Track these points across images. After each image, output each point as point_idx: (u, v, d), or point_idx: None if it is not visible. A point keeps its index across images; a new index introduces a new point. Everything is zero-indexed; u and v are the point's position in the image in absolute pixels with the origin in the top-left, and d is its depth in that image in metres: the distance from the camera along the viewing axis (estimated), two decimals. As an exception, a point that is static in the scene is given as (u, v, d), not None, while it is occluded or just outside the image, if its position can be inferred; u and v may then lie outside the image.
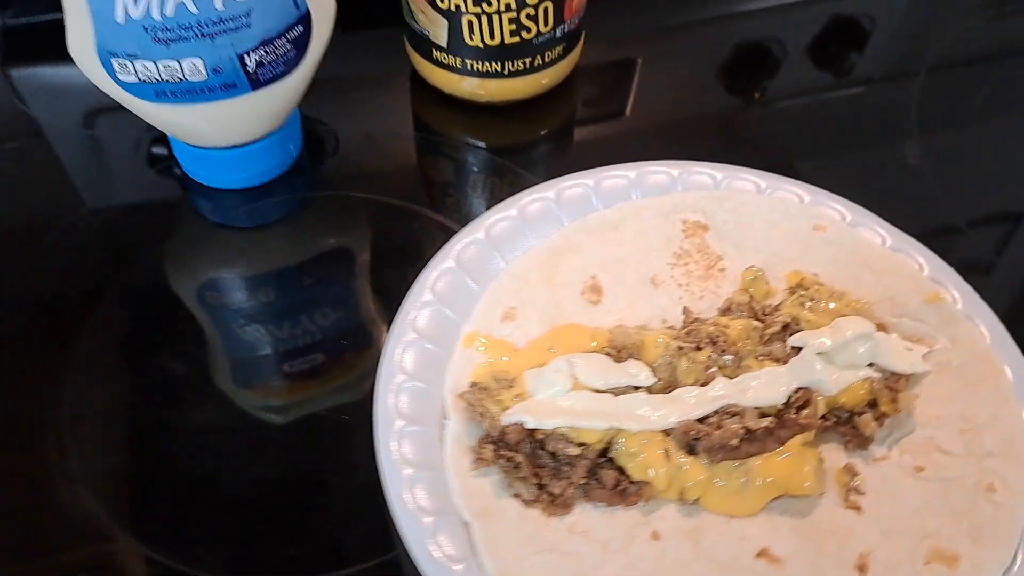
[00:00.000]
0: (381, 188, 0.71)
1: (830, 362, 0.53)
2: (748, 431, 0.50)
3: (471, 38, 0.67)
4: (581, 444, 0.50)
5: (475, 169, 0.76)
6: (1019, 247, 0.68)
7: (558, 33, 0.69)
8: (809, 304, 0.57)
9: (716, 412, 0.51)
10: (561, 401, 0.51)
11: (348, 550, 0.51)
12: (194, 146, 0.65)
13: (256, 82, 0.59)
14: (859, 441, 0.52)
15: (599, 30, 0.83)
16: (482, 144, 0.76)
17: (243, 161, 0.65)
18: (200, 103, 0.58)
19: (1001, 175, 0.74)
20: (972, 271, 0.58)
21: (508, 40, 0.67)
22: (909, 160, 0.73)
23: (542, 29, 0.68)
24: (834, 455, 0.53)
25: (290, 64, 0.60)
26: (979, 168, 0.74)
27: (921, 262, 0.59)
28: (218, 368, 0.61)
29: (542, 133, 0.79)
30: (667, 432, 0.51)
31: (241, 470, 0.55)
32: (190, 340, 0.62)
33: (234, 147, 0.64)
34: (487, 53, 0.69)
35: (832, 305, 0.57)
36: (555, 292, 0.59)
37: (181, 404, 0.58)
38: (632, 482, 0.51)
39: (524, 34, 0.67)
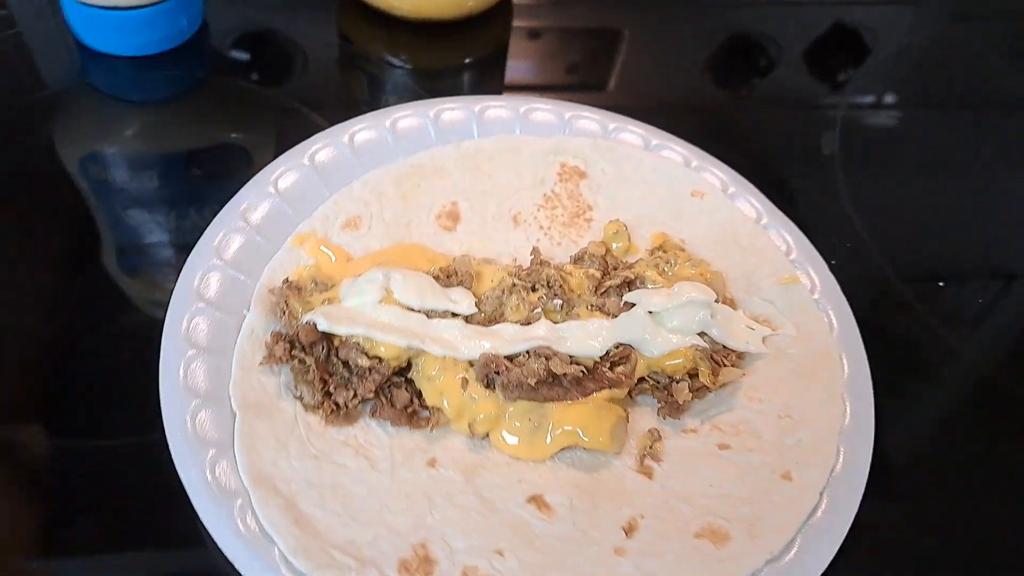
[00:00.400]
0: (282, 88, 0.69)
1: (659, 324, 0.50)
2: (553, 375, 0.48)
3: (387, -57, 0.65)
4: (375, 357, 0.48)
5: (388, 87, 0.73)
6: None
7: (477, -47, 0.66)
8: (665, 267, 0.54)
9: (528, 353, 0.49)
10: (367, 312, 0.49)
11: (116, 421, 0.48)
12: (83, 3, 0.62)
13: (140, -60, 0.56)
14: (672, 409, 0.50)
15: None
16: (399, 62, 0.73)
17: (129, 25, 0.63)
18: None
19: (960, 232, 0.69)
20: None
21: (424, -50, 0.65)
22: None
23: (461, -55, 0.65)
24: (647, 419, 0.50)
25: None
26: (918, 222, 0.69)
27: (790, 243, 0.56)
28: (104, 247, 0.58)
29: (466, 60, 0.76)
30: (472, 364, 0.49)
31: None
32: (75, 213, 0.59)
33: (121, 8, 0.62)
34: (402, -39, 0.66)
35: (688, 272, 0.54)
36: (408, 210, 0.57)
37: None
38: (424, 406, 0.49)
39: (441, -54, 0.64)
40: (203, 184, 0.62)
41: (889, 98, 0.80)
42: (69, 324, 0.53)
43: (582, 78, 0.79)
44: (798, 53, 0.82)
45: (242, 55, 0.72)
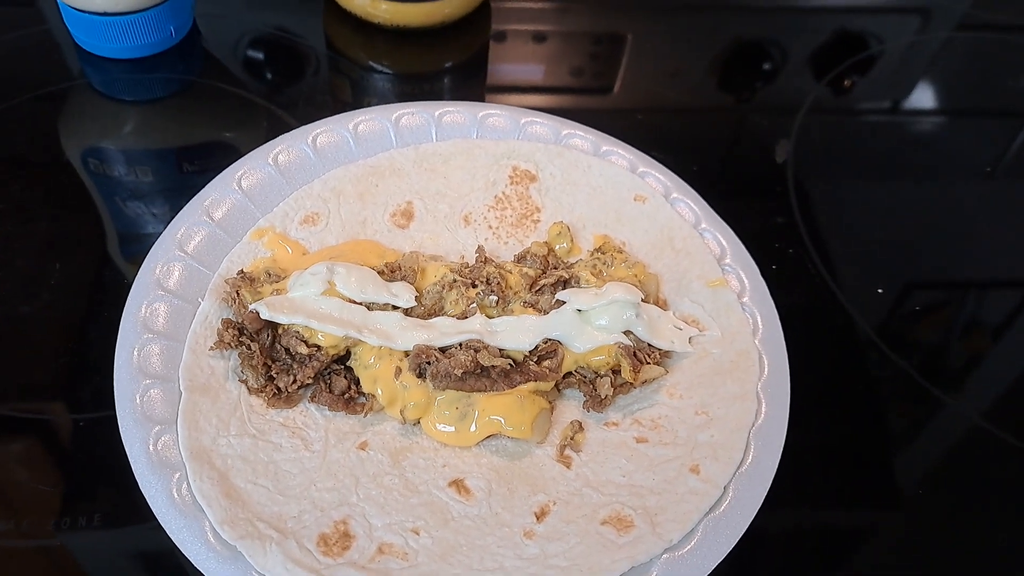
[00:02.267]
0: (269, 90, 0.73)
1: (587, 322, 0.53)
2: (481, 367, 0.51)
3: (360, -47, 0.68)
4: (314, 345, 0.51)
5: (371, 91, 0.76)
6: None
7: (449, -35, 0.69)
8: (602, 268, 0.57)
9: (462, 345, 0.52)
10: (310, 302, 0.52)
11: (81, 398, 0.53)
12: (76, 9, 0.66)
13: (124, -49, 0.61)
14: (595, 402, 0.52)
15: None
16: (381, 67, 0.77)
17: (119, 30, 0.68)
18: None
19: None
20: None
21: (395, -39, 0.68)
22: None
23: (431, -43, 0.68)
24: (572, 412, 0.53)
25: (162, -59, 0.62)
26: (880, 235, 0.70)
27: (724, 246, 0.58)
28: (108, 236, 0.63)
29: (446, 65, 0.79)
30: (408, 353, 0.52)
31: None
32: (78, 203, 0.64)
33: (112, 14, 0.66)
34: (375, -28, 0.69)
35: (623, 273, 0.56)
36: (365, 208, 0.60)
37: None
38: (361, 393, 0.52)
39: (411, -42, 0.68)
40: (195, 178, 0.66)
41: (865, 105, 0.81)
42: (62, 309, 0.57)
43: (586, 81, 0.82)
44: (802, 58, 0.83)
45: (231, 59, 0.76)
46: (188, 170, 0.69)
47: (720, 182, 0.68)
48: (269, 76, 0.76)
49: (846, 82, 0.83)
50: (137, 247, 0.61)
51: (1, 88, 0.71)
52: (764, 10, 0.91)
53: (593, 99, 0.80)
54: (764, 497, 0.48)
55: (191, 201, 0.57)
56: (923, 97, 0.83)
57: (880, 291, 0.62)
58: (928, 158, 0.75)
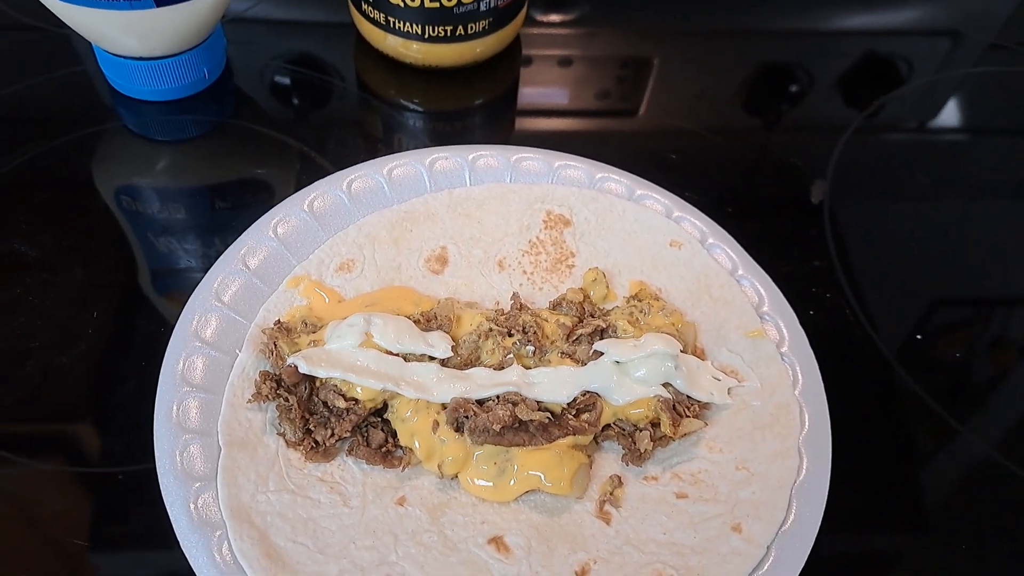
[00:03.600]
0: (302, 129, 0.74)
1: (625, 373, 0.53)
2: (519, 421, 0.50)
3: (392, -4, 0.69)
4: (352, 399, 0.51)
5: (403, 130, 0.77)
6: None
7: (482, 7, 0.69)
8: (639, 316, 0.56)
9: (498, 398, 0.51)
10: (347, 355, 0.52)
11: (113, 448, 0.53)
12: (111, 54, 0.67)
13: (160, -1, 0.61)
14: (634, 456, 0.52)
15: (614, 21, 0.84)
16: (413, 106, 0.77)
17: (154, 74, 0.68)
18: (106, 9, 0.61)
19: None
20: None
21: (428, 4, 0.68)
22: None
23: (463, 0, 0.68)
24: (611, 465, 0.52)
25: (197, -12, 0.62)
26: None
27: (762, 294, 0.57)
28: (140, 271, 0.63)
29: (477, 102, 0.79)
30: (445, 406, 0.52)
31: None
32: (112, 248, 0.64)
33: (146, 59, 0.67)
34: (407, 13, 0.70)
35: (660, 321, 0.56)
36: (399, 254, 0.60)
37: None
38: (398, 446, 0.52)
39: (444, 1, 0.68)
40: (228, 215, 0.67)
41: (897, 132, 0.80)
42: (98, 359, 0.57)
43: (612, 104, 0.82)
44: (830, 82, 0.83)
45: (263, 99, 0.76)
46: (220, 207, 0.69)
47: (754, 224, 0.67)
48: (301, 116, 0.76)
49: (878, 108, 0.82)
50: (170, 281, 0.62)
51: (38, 129, 0.71)
52: (790, 34, 0.90)
53: (620, 121, 0.80)
54: (807, 558, 0.47)
55: (227, 250, 0.57)
56: (953, 118, 0.82)
57: (919, 337, 0.61)
58: (961, 180, 0.74)
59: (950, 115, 0.83)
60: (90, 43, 0.70)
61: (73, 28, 0.66)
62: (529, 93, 0.81)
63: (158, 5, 0.62)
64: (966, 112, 0.84)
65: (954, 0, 0.95)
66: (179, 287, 0.61)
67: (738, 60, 0.85)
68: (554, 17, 0.90)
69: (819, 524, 0.48)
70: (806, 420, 0.52)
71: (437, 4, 0.68)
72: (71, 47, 0.78)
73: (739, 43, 0.88)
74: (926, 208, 0.72)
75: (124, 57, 0.68)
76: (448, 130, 0.76)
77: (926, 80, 0.86)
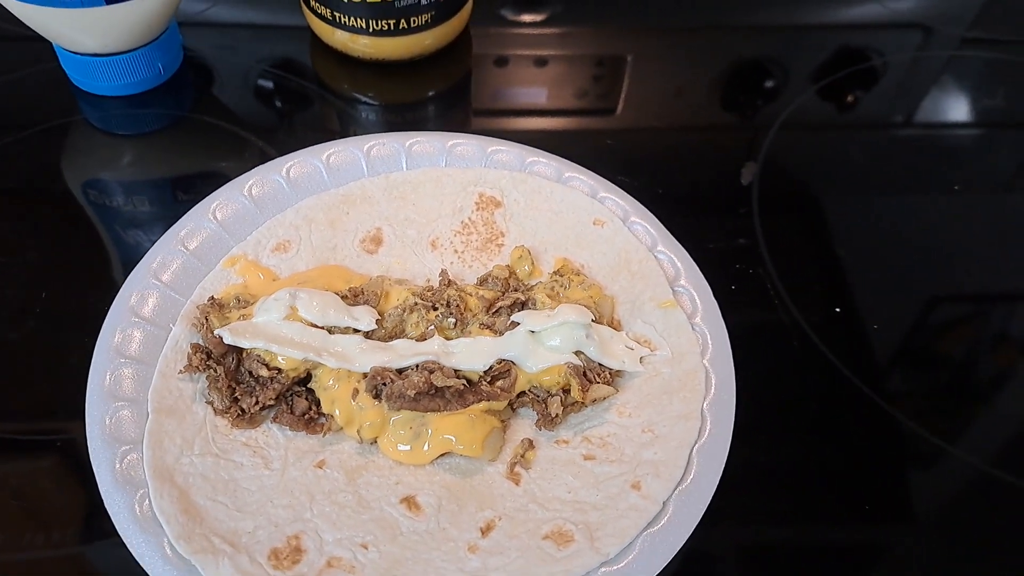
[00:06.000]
0: (258, 123, 0.77)
1: (539, 342, 0.55)
2: (435, 388, 0.53)
3: (336, -9, 0.71)
4: (275, 368, 0.54)
5: (357, 122, 0.79)
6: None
7: (423, 0, 0.72)
8: (559, 290, 0.59)
9: (418, 367, 0.54)
10: (272, 327, 0.55)
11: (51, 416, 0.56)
12: (70, 51, 0.71)
13: (109, -3, 0.64)
14: (546, 421, 0.54)
15: (587, 18, 0.87)
16: (366, 99, 0.80)
17: (110, 69, 0.71)
18: (59, 7, 0.64)
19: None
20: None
21: (370, -1, 0.71)
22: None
23: (404, -7, 0.71)
24: (526, 431, 0.55)
25: (145, -14, 0.65)
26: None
27: (679, 268, 0.59)
28: (113, 263, 0.66)
29: (430, 94, 0.82)
30: (366, 375, 0.54)
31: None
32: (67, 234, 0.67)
33: (103, 55, 0.70)
34: (352, 8, 0.72)
35: (579, 295, 0.58)
36: (335, 235, 0.63)
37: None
38: (320, 413, 0.54)
39: (385, -5, 0.71)
40: (189, 206, 0.69)
41: (861, 119, 0.82)
42: (46, 336, 0.60)
43: (590, 102, 0.84)
44: (804, 77, 0.85)
45: (220, 93, 0.79)
46: (182, 199, 0.72)
47: (686, 205, 0.69)
48: (258, 110, 0.79)
49: (850, 98, 0.84)
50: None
51: (5, 123, 0.75)
52: (765, 29, 0.92)
53: (599, 120, 0.82)
54: (703, 514, 0.49)
55: (167, 232, 0.60)
56: (924, 112, 0.84)
57: (838, 310, 0.63)
58: (906, 173, 0.76)
59: (916, 103, 0.85)
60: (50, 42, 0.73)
61: (31, 27, 0.69)
62: (504, 93, 0.83)
63: (108, 3, 0.65)
64: (934, 102, 0.85)
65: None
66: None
67: (713, 56, 0.87)
68: (526, 17, 0.93)
69: (716, 483, 0.50)
70: (712, 385, 0.54)
71: (379, -1, 0.71)
72: (44, 48, 0.82)
73: (713, 38, 0.90)
74: (861, 194, 0.74)
75: (81, 54, 0.71)
76: (401, 122, 0.79)
77: (899, 70, 0.87)
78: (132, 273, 0.58)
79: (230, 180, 0.64)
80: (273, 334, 0.54)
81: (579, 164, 0.65)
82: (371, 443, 0.53)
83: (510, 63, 0.86)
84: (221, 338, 0.54)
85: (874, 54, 0.89)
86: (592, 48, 0.89)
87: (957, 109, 0.85)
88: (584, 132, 0.80)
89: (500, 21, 0.91)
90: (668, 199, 0.67)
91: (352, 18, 0.73)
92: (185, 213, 0.61)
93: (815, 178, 0.74)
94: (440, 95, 0.83)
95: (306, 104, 0.80)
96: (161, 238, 0.60)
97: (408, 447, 0.53)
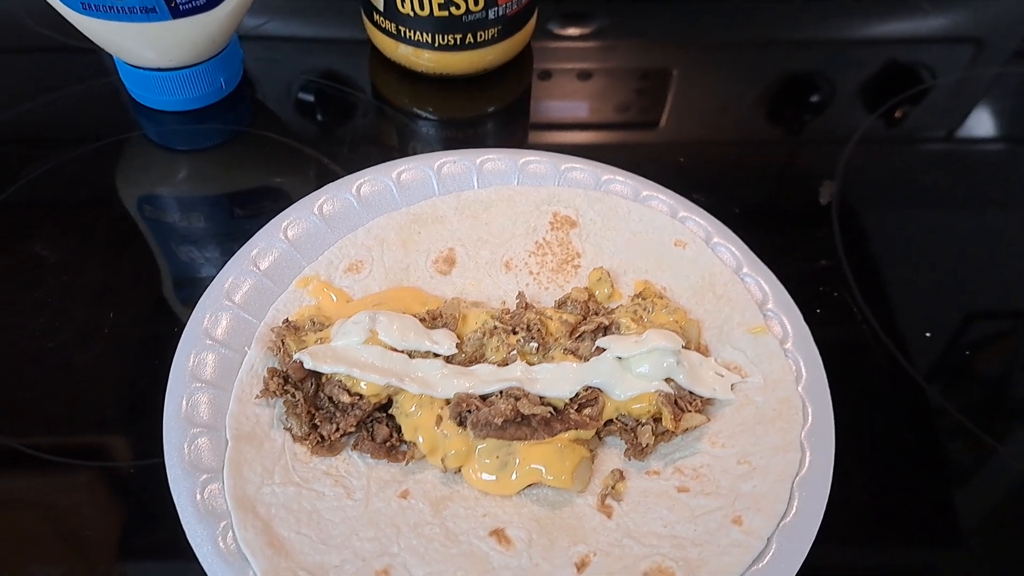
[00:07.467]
0: (318, 138, 0.75)
1: (627, 369, 0.53)
2: (521, 415, 0.51)
3: (403, 5, 0.70)
4: (356, 394, 0.52)
5: (417, 137, 0.78)
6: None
7: (490, 15, 0.70)
8: (643, 314, 0.57)
9: (502, 393, 0.52)
10: (352, 351, 0.53)
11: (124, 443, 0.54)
12: (131, 66, 0.69)
13: (176, 11, 0.63)
14: (636, 451, 0.52)
15: (632, 32, 0.86)
16: (426, 114, 0.78)
17: (172, 84, 0.70)
18: (124, 22, 0.63)
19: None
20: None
21: (437, 13, 0.70)
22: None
23: (472, 8, 0.69)
24: (613, 460, 0.53)
25: (212, 0, 0.64)
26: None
27: (767, 291, 0.58)
28: (163, 278, 0.65)
29: (489, 110, 0.80)
30: (449, 401, 0.52)
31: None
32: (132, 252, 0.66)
33: (165, 70, 0.69)
34: (417, 23, 0.71)
35: (664, 319, 0.56)
36: (408, 255, 0.61)
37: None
38: (402, 441, 0.52)
39: (453, 10, 0.69)
40: (245, 223, 0.68)
41: (915, 137, 0.80)
42: (114, 358, 0.59)
43: (632, 116, 0.83)
44: (852, 91, 0.83)
45: (279, 108, 0.78)
46: (239, 215, 0.70)
47: (763, 224, 0.67)
48: (316, 125, 0.78)
49: (897, 113, 0.82)
50: (190, 291, 0.63)
51: (63, 138, 0.74)
52: (812, 43, 0.90)
53: (640, 134, 0.80)
54: (808, 550, 0.47)
55: (238, 252, 0.58)
56: (977, 127, 0.82)
57: (928, 335, 0.61)
58: (983, 190, 0.74)
59: (975, 122, 0.83)
60: (112, 56, 0.72)
61: (95, 41, 0.68)
62: (547, 106, 0.82)
63: (174, 17, 0.64)
64: (988, 119, 0.83)
65: (975, 7, 0.94)
66: (198, 293, 0.63)
67: (759, 70, 0.85)
68: (572, 31, 0.91)
69: (821, 518, 0.48)
70: (809, 415, 0.52)
71: (446, 13, 0.70)
72: (96, 61, 0.81)
73: (759, 53, 0.88)
74: (940, 214, 0.72)
75: (143, 68, 0.70)
76: (461, 137, 0.78)
77: (949, 85, 0.85)
78: (204, 294, 0.56)
79: (293, 195, 0.62)
80: (354, 359, 0.52)
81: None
82: (455, 472, 0.52)
83: (554, 76, 0.85)
84: (301, 363, 0.52)
85: (923, 69, 0.87)
86: (637, 62, 0.87)
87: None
88: (654, 147, 0.78)
89: (547, 35, 0.89)
90: (742, 219, 0.65)
91: (418, 32, 0.72)
92: (253, 229, 0.60)
93: (895, 196, 0.72)
94: (500, 111, 0.81)
95: (365, 119, 0.79)
96: (232, 258, 0.58)
97: (494, 477, 0.51)
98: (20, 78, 0.80)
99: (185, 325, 0.55)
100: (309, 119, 0.78)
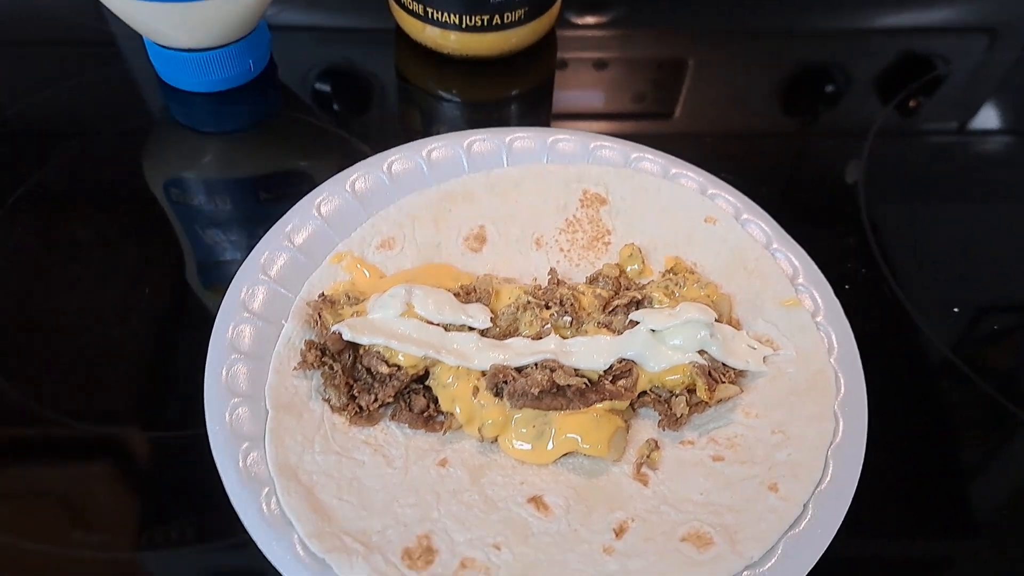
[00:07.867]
0: (343, 120, 0.76)
1: (660, 341, 0.54)
2: (557, 386, 0.52)
3: (430, -13, 0.71)
4: (394, 365, 0.53)
5: (440, 119, 0.78)
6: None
7: (517, -4, 0.71)
8: (674, 288, 0.57)
9: (536, 365, 0.53)
10: (389, 323, 0.54)
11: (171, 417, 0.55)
12: (160, 46, 0.70)
13: (207, -9, 0.64)
14: (670, 421, 0.53)
15: (649, 22, 0.87)
16: (450, 96, 0.79)
17: (201, 65, 0.71)
18: (154, 2, 0.64)
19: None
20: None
21: (465, -6, 0.70)
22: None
23: (500, -11, 0.70)
24: (648, 431, 0.53)
25: (243, -20, 0.65)
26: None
27: (797, 266, 0.58)
28: (188, 264, 0.65)
29: (513, 93, 0.81)
30: (484, 374, 0.53)
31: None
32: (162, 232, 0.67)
33: (194, 51, 0.69)
34: (445, 3, 0.72)
35: (696, 293, 0.57)
36: (439, 233, 0.62)
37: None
38: (439, 411, 0.53)
39: (481, -10, 0.70)
40: (271, 206, 0.68)
41: (930, 126, 0.81)
42: (151, 333, 0.60)
43: (648, 107, 0.83)
44: (867, 81, 0.83)
45: (306, 91, 0.79)
46: (264, 199, 0.71)
47: (789, 204, 0.68)
48: (342, 106, 0.78)
49: (912, 103, 0.82)
50: (215, 273, 0.64)
51: (87, 123, 0.74)
52: (826, 33, 0.91)
53: (655, 124, 0.81)
54: (844, 515, 0.47)
55: (274, 227, 0.59)
56: (992, 117, 0.82)
57: (956, 310, 0.62)
58: (1001, 178, 0.74)
59: (983, 109, 0.83)
60: (141, 38, 0.73)
61: (125, 21, 0.69)
62: (563, 96, 0.82)
63: (204, -3, 0.64)
64: (1002, 107, 0.84)
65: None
66: (224, 277, 0.63)
67: (774, 59, 0.86)
68: (589, 19, 0.92)
69: (855, 485, 0.49)
70: (842, 385, 0.53)
71: (474, -6, 0.70)
72: (124, 44, 0.81)
73: (774, 43, 0.89)
74: (966, 197, 0.72)
75: (173, 49, 0.70)
76: (485, 119, 0.78)
77: (964, 76, 0.86)
78: (241, 268, 0.57)
79: (317, 179, 0.63)
80: (391, 331, 0.53)
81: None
82: (492, 441, 0.52)
83: (570, 66, 0.85)
84: (340, 334, 0.52)
85: (939, 60, 0.87)
86: (653, 52, 0.88)
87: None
88: (669, 137, 0.78)
89: (564, 24, 0.89)
90: (771, 198, 0.65)
91: (445, 13, 0.72)
92: (271, 212, 0.60)
93: (919, 177, 0.72)
94: (524, 94, 0.82)
95: (390, 101, 0.79)
96: (268, 233, 0.59)
97: (530, 446, 0.52)
98: (50, 64, 0.81)
99: (221, 300, 0.55)
100: (335, 101, 0.78)
